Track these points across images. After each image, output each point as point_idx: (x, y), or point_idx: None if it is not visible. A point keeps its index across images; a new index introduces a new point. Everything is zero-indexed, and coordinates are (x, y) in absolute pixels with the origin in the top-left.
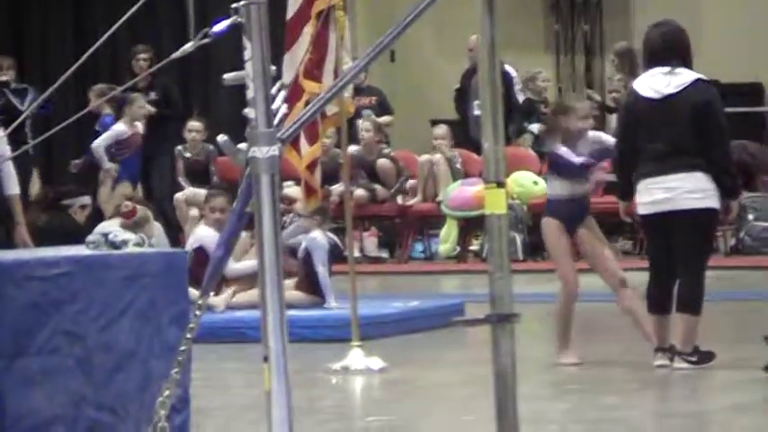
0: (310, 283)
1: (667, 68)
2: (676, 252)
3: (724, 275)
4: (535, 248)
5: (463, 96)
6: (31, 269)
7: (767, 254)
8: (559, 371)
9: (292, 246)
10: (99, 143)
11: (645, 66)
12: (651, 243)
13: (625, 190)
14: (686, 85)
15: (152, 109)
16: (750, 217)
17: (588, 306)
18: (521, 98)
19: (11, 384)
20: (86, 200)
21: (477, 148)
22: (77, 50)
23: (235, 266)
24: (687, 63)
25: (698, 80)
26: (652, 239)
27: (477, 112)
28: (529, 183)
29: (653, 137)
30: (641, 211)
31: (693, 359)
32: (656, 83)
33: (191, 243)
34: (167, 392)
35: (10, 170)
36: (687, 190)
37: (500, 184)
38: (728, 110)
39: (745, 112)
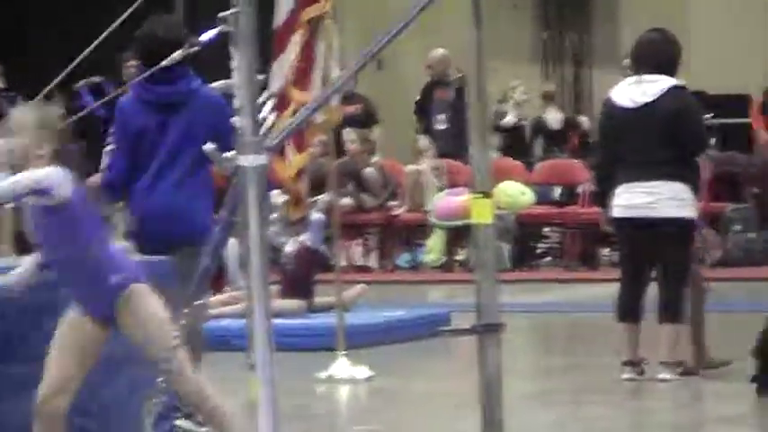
0: (294, 286)
1: (636, 78)
2: (658, 261)
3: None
4: (522, 258)
5: (424, 110)
6: None
7: (753, 265)
8: (546, 381)
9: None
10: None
11: (633, 72)
12: (625, 248)
13: (605, 199)
14: (662, 92)
15: None
16: (737, 228)
17: (577, 317)
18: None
19: None
20: None
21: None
22: (67, 57)
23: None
24: (667, 71)
25: (673, 87)
26: (626, 244)
27: (440, 126)
28: (516, 193)
29: (631, 146)
30: (617, 213)
31: (678, 370)
32: (632, 91)
33: None
34: (154, 400)
35: None
36: (667, 197)
37: (486, 194)
38: (716, 121)
39: (732, 124)
